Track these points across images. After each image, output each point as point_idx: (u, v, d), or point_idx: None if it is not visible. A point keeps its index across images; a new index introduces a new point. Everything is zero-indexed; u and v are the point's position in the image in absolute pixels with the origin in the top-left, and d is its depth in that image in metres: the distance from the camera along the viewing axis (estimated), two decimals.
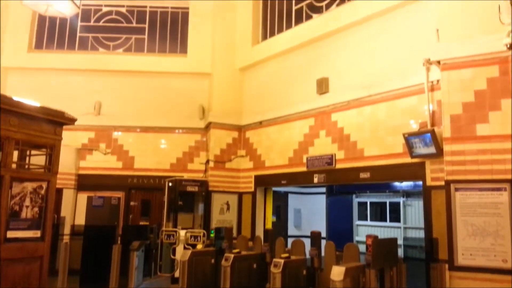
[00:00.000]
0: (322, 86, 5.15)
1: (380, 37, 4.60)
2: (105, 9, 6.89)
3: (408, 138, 3.85)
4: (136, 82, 6.57)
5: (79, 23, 6.75)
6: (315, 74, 5.28)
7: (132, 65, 6.55)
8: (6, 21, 6.50)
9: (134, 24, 6.87)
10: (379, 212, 8.13)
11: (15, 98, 2.76)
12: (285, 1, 6.05)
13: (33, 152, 3.06)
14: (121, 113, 6.42)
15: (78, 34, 6.76)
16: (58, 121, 3.00)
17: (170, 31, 6.87)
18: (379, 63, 4.55)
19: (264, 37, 6.32)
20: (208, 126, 6.23)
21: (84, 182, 6.21)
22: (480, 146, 3.15)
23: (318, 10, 5.49)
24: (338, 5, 5.20)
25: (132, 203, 6.37)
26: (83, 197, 6.17)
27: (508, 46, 2.80)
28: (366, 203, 8.15)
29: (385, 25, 4.56)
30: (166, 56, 6.71)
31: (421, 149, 3.77)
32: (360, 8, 4.73)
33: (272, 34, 6.18)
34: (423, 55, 3.85)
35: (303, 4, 5.73)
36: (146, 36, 6.83)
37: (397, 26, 4.43)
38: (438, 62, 3.43)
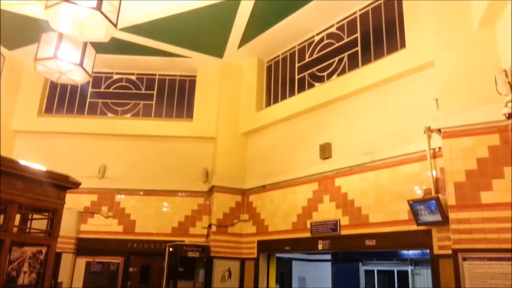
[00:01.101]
0: (325, 151, 5.21)
1: (381, 105, 4.73)
2: (116, 77, 7.19)
3: (413, 205, 3.81)
4: (142, 146, 6.69)
5: (90, 89, 7.02)
6: (318, 139, 5.37)
7: (139, 129, 6.71)
8: (19, 85, 6.78)
9: (143, 91, 7.13)
10: (387, 281, 7.83)
11: (22, 162, 2.81)
12: (288, 71, 6.32)
13: (34, 216, 3.05)
14: (125, 176, 6.46)
15: (88, 100, 7.00)
16: (62, 185, 3.02)
17: (177, 97, 7.11)
18: (381, 129, 4.64)
19: (268, 104, 6.51)
20: (211, 190, 6.23)
21: (84, 246, 6.09)
22: (485, 214, 3.11)
23: (320, 79, 5.70)
24: (339, 75, 5.42)
25: (131, 269, 6.19)
26: (81, 262, 6.02)
27: (507, 115, 2.86)
28: (373, 271, 7.88)
29: (385, 93, 4.71)
30: (172, 121, 6.88)
31: (427, 217, 3.72)
32: (360, 78, 4.92)
33: (275, 100, 6.37)
34: (424, 122, 3.93)
35: (305, 73, 5.97)
36: (154, 102, 7.05)
37: (398, 94, 4.57)
38: (439, 130, 3.49)
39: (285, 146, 5.91)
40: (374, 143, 4.64)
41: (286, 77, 6.34)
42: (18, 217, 2.84)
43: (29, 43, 6.15)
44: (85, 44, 3.68)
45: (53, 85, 6.99)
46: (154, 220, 6.26)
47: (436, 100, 3.73)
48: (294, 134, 5.82)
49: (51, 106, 6.97)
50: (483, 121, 3.25)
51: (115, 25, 3.16)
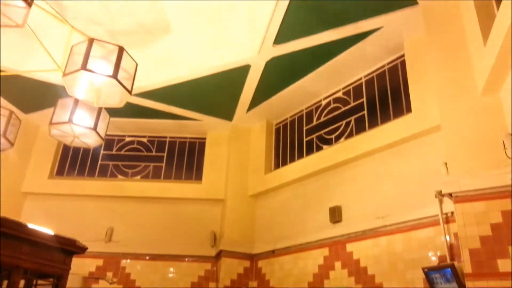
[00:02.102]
0: (335, 214, 5.13)
1: (390, 168, 4.72)
2: (128, 139, 7.34)
3: (428, 273, 3.66)
4: (150, 208, 6.66)
5: (102, 152, 7.15)
6: (328, 202, 5.31)
7: (148, 192, 6.71)
8: (33, 148, 6.92)
9: (154, 153, 7.24)
10: None
11: (30, 225, 2.80)
12: (296, 133, 6.42)
13: (39, 281, 2.98)
14: (132, 240, 6.36)
15: (99, 162, 7.11)
16: (69, 250, 2.98)
17: (187, 159, 7.18)
18: (391, 193, 4.59)
19: (277, 166, 6.54)
20: (219, 254, 6.07)
21: None
22: (503, 284, 2.96)
23: (328, 142, 5.76)
24: (346, 138, 5.48)
25: None
26: None
27: None
28: None
29: (393, 156, 4.72)
30: (181, 183, 6.89)
31: (443, 285, 3.55)
32: (368, 141, 4.96)
33: (284, 163, 6.41)
34: (434, 186, 3.89)
35: (314, 136, 6.06)
36: (164, 164, 7.12)
37: (406, 157, 4.58)
38: (450, 194, 3.45)
39: (295, 209, 5.84)
40: (385, 207, 4.57)
41: (294, 140, 6.42)
42: (22, 282, 2.78)
43: (44, 107, 6.38)
44: (100, 109, 3.80)
45: (66, 148, 7.13)
46: (159, 286, 6.05)
47: (446, 164, 3.72)
48: (304, 197, 5.77)
49: (63, 169, 7.06)
50: (495, 185, 3.20)
51: (130, 92, 3.29)
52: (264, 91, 6.00)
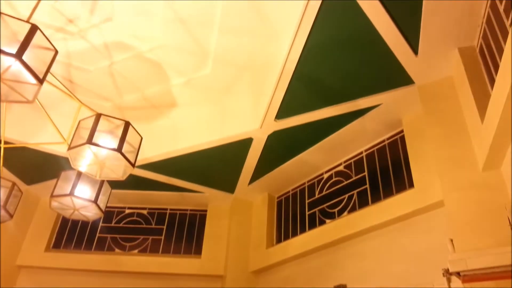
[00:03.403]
0: None
1: (395, 244, 4.60)
2: (127, 211, 7.26)
3: None
4: (148, 285, 6.39)
5: (100, 224, 7.03)
6: (332, 279, 5.10)
7: (146, 267, 6.48)
8: (31, 220, 6.82)
9: (153, 225, 7.11)
10: None
11: None
12: (298, 206, 6.35)
13: None
14: None
15: (97, 235, 6.96)
16: None
17: (187, 232, 7.04)
18: (398, 270, 4.43)
19: (279, 240, 6.38)
20: None
21: None
22: None
23: (331, 216, 5.68)
24: (349, 212, 5.41)
25: None
26: None
27: None
28: None
29: (397, 232, 4.63)
30: (180, 257, 6.68)
31: None
32: (371, 216, 4.89)
33: (286, 237, 6.26)
34: (441, 263, 3.75)
35: (316, 210, 5.99)
36: (163, 237, 6.97)
37: (411, 233, 4.48)
38: (458, 273, 3.32)
39: (298, 286, 5.59)
40: (391, 285, 4.37)
41: (296, 213, 6.34)
42: None
43: (47, 178, 6.41)
44: (102, 181, 3.81)
45: (64, 220, 7.03)
46: None
47: (451, 240, 3.63)
48: (307, 273, 5.56)
49: (60, 242, 6.90)
50: (504, 264, 3.10)
51: (133, 165, 3.32)
52: (266, 164, 6.05)
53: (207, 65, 4.87)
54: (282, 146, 5.69)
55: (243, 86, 5.10)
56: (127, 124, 3.22)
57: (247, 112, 5.26)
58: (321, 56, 4.29)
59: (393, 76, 4.44)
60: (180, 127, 5.70)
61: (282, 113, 5.01)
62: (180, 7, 4.18)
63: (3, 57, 2.45)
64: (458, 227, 3.55)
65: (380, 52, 4.06)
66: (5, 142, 4.00)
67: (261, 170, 6.18)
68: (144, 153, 5.36)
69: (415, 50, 4.04)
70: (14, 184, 3.95)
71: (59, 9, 4.23)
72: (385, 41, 3.93)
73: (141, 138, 3.42)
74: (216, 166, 6.14)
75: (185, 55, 4.74)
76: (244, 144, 5.57)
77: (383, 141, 5.43)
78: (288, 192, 6.68)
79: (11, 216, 3.95)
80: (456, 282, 3.63)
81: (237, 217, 6.81)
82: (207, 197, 6.94)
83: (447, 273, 3.68)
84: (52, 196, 3.69)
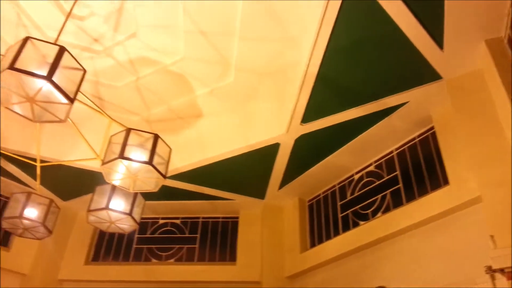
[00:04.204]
0: None
1: (433, 243, 4.47)
2: (161, 221, 7.38)
3: None
4: None
5: (136, 235, 7.18)
6: (370, 282, 5.00)
7: (182, 276, 6.56)
8: (70, 235, 7.04)
9: (187, 234, 7.20)
10: None
11: None
12: (330, 209, 6.28)
13: None
14: None
15: (134, 246, 7.11)
16: None
17: (220, 240, 7.08)
18: (438, 269, 4.30)
19: (312, 244, 6.32)
20: None
21: None
22: None
23: (364, 218, 5.59)
24: (383, 212, 5.30)
25: None
26: None
27: None
28: None
29: (435, 230, 4.50)
30: (215, 265, 6.73)
31: None
32: (407, 215, 4.78)
33: (320, 240, 6.20)
34: (483, 261, 3.62)
35: (349, 212, 5.90)
36: (197, 246, 7.04)
37: (449, 231, 4.35)
38: (502, 270, 3.20)
39: None
40: (433, 284, 4.25)
41: (329, 216, 6.27)
42: None
43: (82, 194, 6.62)
44: (135, 194, 3.90)
45: (101, 234, 7.22)
46: None
47: (492, 237, 3.50)
48: (344, 277, 5.47)
49: (98, 255, 7.09)
50: None
51: (165, 176, 3.38)
52: (295, 168, 6.03)
53: (229, 73, 4.92)
54: (310, 150, 5.65)
55: (267, 92, 5.12)
56: (156, 137, 3.30)
57: (272, 118, 5.27)
58: (344, 57, 4.26)
59: (420, 72, 4.34)
60: (207, 136, 5.77)
61: (308, 117, 4.99)
62: (200, 19, 4.25)
63: (34, 79, 2.56)
64: (497, 223, 3.43)
65: (404, 49, 3.99)
66: (41, 161, 4.17)
67: (290, 174, 6.16)
68: (174, 163, 5.44)
69: (440, 45, 3.94)
70: (51, 201, 4.10)
71: (84, 29, 4.39)
72: (408, 37, 3.85)
73: (170, 150, 3.48)
74: (245, 173, 6.16)
75: (207, 65, 4.81)
76: (272, 150, 5.56)
77: (414, 139, 5.30)
78: (319, 195, 6.62)
79: (50, 232, 4.10)
80: (501, 279, 3.50)
81: (269, 222, 6.80)
82: (238, 204, 6.97)
83: (490, 270, 3.54)
84: (89, 210, 3.81)
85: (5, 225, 4.02)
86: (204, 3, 4.06)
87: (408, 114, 4.92)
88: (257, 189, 6.60)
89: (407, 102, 4.75)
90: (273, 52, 4.58)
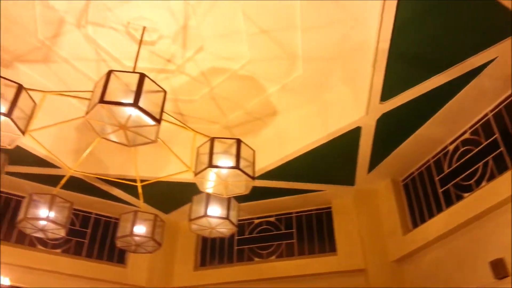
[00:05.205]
0: (499, 269, 4.44)
1: None
2: (256, 221, 7.58)
3: None
4: None
5: (236, 237, 7.46)
6: (485, 255, 4.64)
7: (285, 271, 6.68)
8: (176, 245, 7.51)
9: (283, 230, 7.30)
10: None
11: None
12: (428, 186, 5.93)
13: None
14: None
15: (235, 248, 7.39)
16: None
17: (316, 232, 7.08)
18: None
19: (415, 224, 6.03)
20: None
21: None
22: None
23: (468, 189, 5.19)
24: (488, 180, 4.89)
25: None
26: None
27: None
28: None
29: None
30: (316, 257, 6.73)
31: None
32: None
33: (422, 220, 5.89)
34: None
35: (449, 186, 5.53)
36: (295, 240, 7.11)
37: None
38: None
39: (447, 269, 5.21)
40: None
41: (428, 193, 5.93)
42: None
43: (181, 205, 7.06)
44: (229, 198, 4.06)
45: (204, 240, 7.61)
46: None
47: None
48: (455, 254, 5.14)
49: (205, 260, 7.49)
50: None
51: (253, 178, 3.48)
52: (382, 149, 5.80)
53: (297, 66, 4.90)
54: (394, 127, 5.40)
55: (339, 77, 5.01)
56: (238, 142, 3.42)
57: (349, 102, 5.13)
58: (415, 25, 4.00)
59: (504, 25, 3.92)
60: (286, 131, 5.80)
61: (386, 94, 4.77)
62: (260, 19, 4.29)
63: (123, 108, 2.79)
64: None
65: (482, 3, 3.64)
66: (140, 180, 4.52)
67: (378, 156, 5.94)
68: (259, 164, 5.53)
69: None
70: (156, 216, 4.42)
71: (156, 53, 4.68)
72: None
73: (254, 151, 3.56)
74: (330, 162, 6.08)
75: (274, 62, 4.84)
76: (354, 134, 5.42)
77: (509, 96, 4.81)
78: (413, 173, 6.30)
79: (160, 244, 4.43)
80: None
81: (363, 208, 6.64)
82: (328, 194, 6.90)
83: None
84: (190, 220, 4.06)
85: (119, 244, 4.42)
86: (262, 3, 4.10)
87: (498, 71, 4.46)
88: (345, 176, 6.47)
89: (495, 58, 4.31)
90: (338, 36, 4.46)
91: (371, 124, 5.24)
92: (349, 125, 5.27)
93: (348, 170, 6.30)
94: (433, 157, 5.92)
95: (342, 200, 6.98)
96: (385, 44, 4.13)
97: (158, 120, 2.88)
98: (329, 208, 7.15)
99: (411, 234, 5.90)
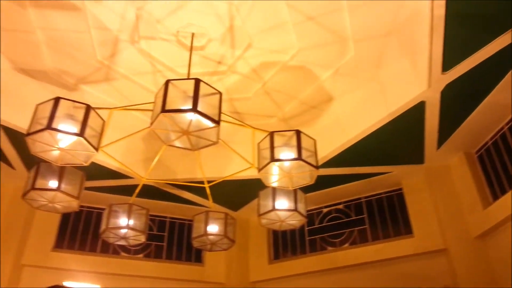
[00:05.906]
0: None
1: None
2: (325, 210, 7.52)
3: None
4: (367, 274, 6.45)
5: (306, 228, 7.45)
6: None
7: (361, 257, 6.58)
8: (248, 240, 7.67)
9: (353, 217, 7.17)
10: None
11: None
12: (506, 155, 5.52)
13: None
14: None
15: (307, 239, 7.39)
16: None
17: (389, 215, 6.87)
18: None
19: (495, 197, 5.65)
20: None
21: None
22: None
23: None
24: None
25: None
26: None
27: None
28: None
29: None
30: (392, 241, 6.54)
31: None
32: None
33: (503, 191, 5.50)
34: None
35: None
36: (367, 226, 6.95)
37: None
38: None
39: None
40: None
41: (505, 163, 5.52)
42: None
43: (248, 201, 7.17)
44: (295, 190, 4.06)
45: (275, 233, 7.69)
46: None
47: None
48: None
49: (278, 252, 7.58)
50: None
51: (317, 167, 3.45)
52: (450, 122, 5.48)
53: (349, 48, 4.76)
54: (462, 97, 5.07)
55: (394, 53, 4.79)
56: (298, 132, 3.40)
57: (408, 77, 4.90)
58: None
59: None
60: (345, 116, 5.68)
61: (448, 63, 4.49)
62: (303, 6, 4.22)
63: (184, 114, 2.89)
64: None
65: None
66: (208, 181, 4.66)
67: (446, 130, 5.62)
68: (321, 152, 5.48)
69: None
70: (226, 214, 4.54)
71: (207, 56, 4.78)
72: None
73: (315, 141, 3.53)
74: (395, 141, 5.85)
75: (324, 48, 4.75)
76: (418, 110, 5.17)
77: None
78: (487, 143, 5.89)
79: (233, 241, 4.54)
80: None
81: (437, 186, 6.34)
82: (397, 175, 6.66)
83: None
84: (259, 215, 4.12)
85: (196, 244, 4.60)
86: None
87: None
88: (413, 154, 6.21)
89: None
90: (387, 10, 4.28)
91: (435, 97, 4.96)
92: (411, 101, 5.03)
93: (416, 148, 6.03)
94: (507, 123, 5.49)
95: (412, 180, 6.70)
96: (441, 10, 3.88)
97: (217, 122, 2.96)
98: (400, 189, 6.90)
99: (492, 208, 5.52)
